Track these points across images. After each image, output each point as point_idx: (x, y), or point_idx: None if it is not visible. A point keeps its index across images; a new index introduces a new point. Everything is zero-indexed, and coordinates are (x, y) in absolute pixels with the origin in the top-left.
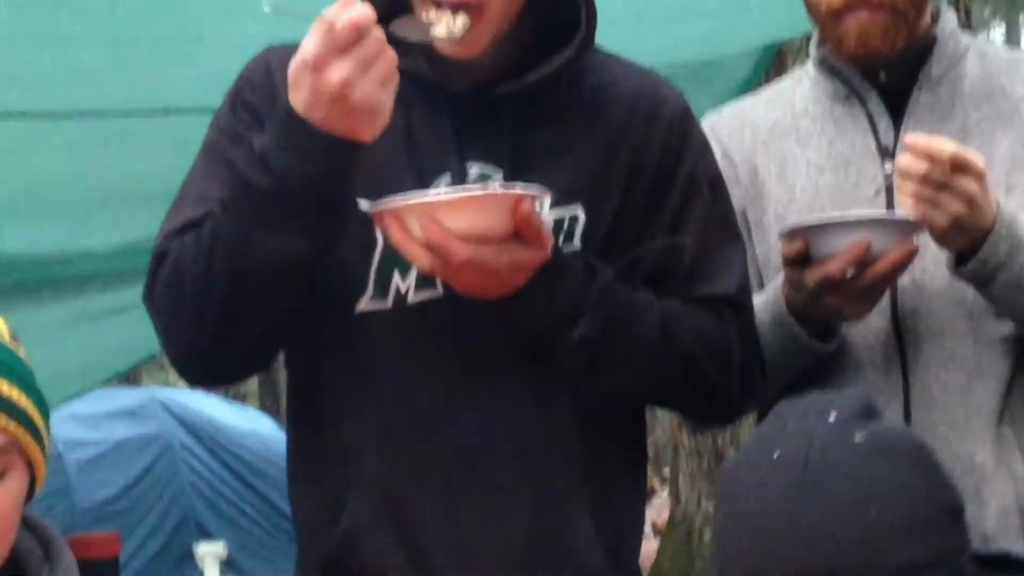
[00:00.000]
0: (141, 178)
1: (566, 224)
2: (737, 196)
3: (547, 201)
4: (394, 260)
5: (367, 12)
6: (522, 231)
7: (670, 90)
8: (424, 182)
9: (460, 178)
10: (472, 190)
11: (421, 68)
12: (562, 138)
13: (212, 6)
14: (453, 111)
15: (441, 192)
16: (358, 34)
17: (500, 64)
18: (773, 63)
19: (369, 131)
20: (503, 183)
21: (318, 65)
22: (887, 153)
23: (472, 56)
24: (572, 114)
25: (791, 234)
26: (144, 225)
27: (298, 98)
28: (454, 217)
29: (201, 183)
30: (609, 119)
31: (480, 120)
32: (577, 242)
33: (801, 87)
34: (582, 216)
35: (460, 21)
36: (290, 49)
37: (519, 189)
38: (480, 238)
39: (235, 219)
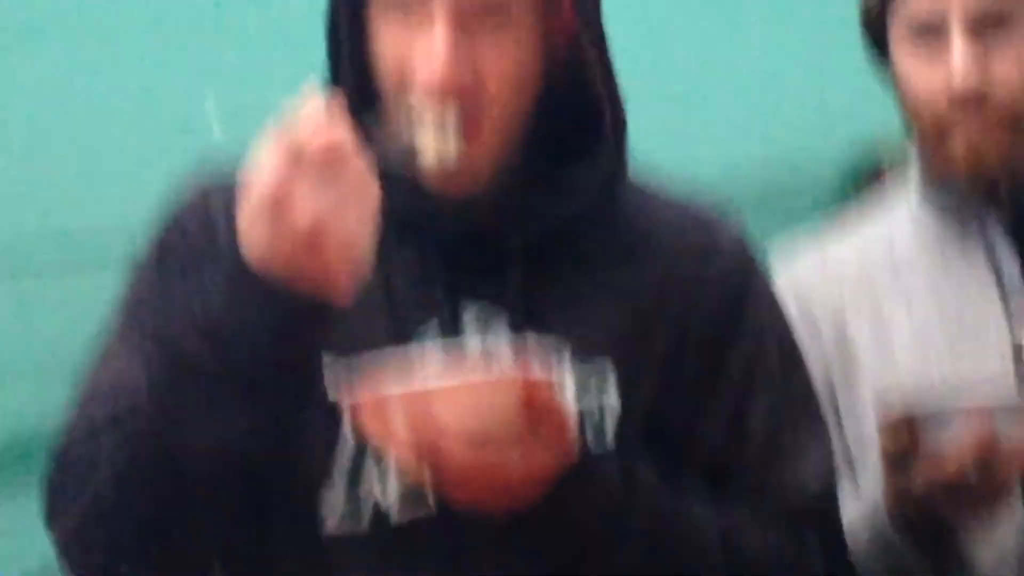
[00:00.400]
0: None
1: (595, 416)
2: (821, 366)
3: (570, 382)
4: (371, 465)
5: (343, 129)
6: (538, 425)
7: (726, 226)
8: (405, 332)
9: (452, 325)
10: (475, 374)
11: (400, 198)
12: (586, 284)
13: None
14: (444, 248)
15: (432, 373)
16: (335, 158)
17: (502, 186)
18: (865, 185)
19: (344, 285)
20: (509, 334)
21: (282, 199)
22: (1016, 312)
23: (470, 192)
24: (599, 259)
25: (894, 426)
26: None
27: (253, 242)
28: (453, 409)
29: (117, 361)
30: (648, 264)
31: (480, 258)
32: (609, 429)
33: (901, 226)
34: (612, 376)
35: (453, 143)
36: (231, 178)
37: (534, 366)
38: (483, 435)
39: (165, 402)
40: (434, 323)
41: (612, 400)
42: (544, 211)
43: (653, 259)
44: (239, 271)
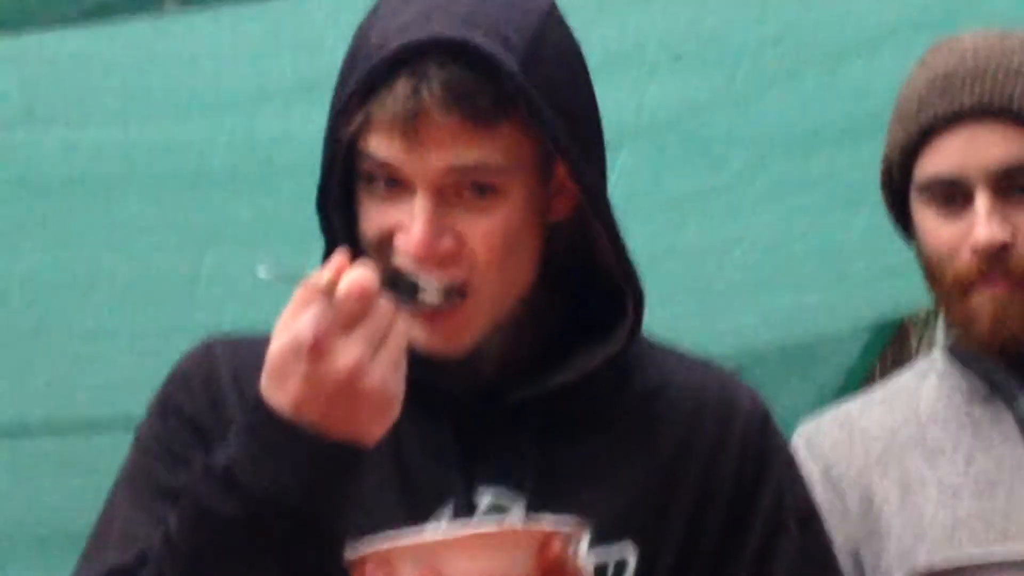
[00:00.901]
0: (39, 516)
1: (611, 571)
2: (846, 530)
3: (585, 539)
4: None
5: (370, 275)
6: None
7: (745, 390)
8: (419, 515)
9: (467, 510)
10: (485, 525)
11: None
12: (604, 455)
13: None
14: (455, 420)
15: (442, 528)
16: (366, 304)
17: (511, 358)
18: (890, 346)
19: (380, 429)
20: (527, 516)
21: (319, 348)
22: None
23: (454, 354)
24: (616, 424)
25: None
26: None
27: (285, 394)
28: (462, 561)
29: (125, 519)
30: (666, 430)
31: (493, 431)
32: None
33: (927, 383)
34: (632, 560)
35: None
36: (239, 341)
37: (547, 524)
38: None
39: (185, 559)
40: (449, 508)
41: (630, 558)
42: (553, 363)
43: (669, 420)
44: (264, 416)
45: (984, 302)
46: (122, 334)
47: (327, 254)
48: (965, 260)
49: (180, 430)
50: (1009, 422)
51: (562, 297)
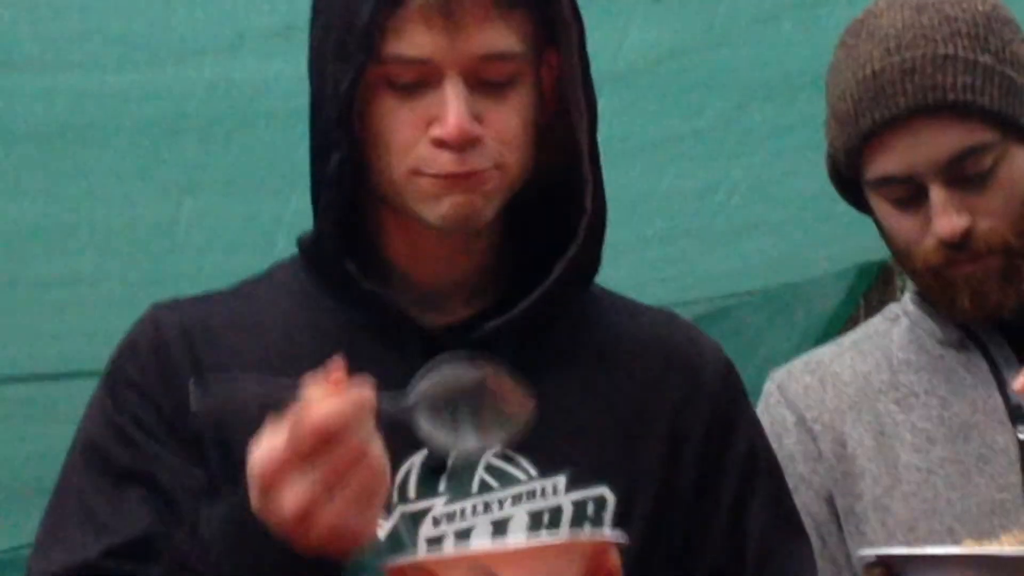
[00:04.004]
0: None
1: (590, 509)
2: (821, 474)
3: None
4: None
5: (340, 407)
6: None
7: (708, 340)
8: (392, 462)
9: (440, 457)
10: (541, 537)
11: (378, 299)
12: (574, 398)
13: None
14: (426, 359)
15: (503, 541)
16: (319, 441)
17: (480, 292)
18: (874, 287)
19: (353, 550)
20: (591, 530)
21: (265, 484)
22: (1021, 415)
23: (472, 225)
24: (585, 367)
25: (870, 570)
26: None
27: (256, 504)
28: (514, 571)
29: (83, 499)
30: (633, 377)
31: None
32: (607, 528)
33: (898, 328)
34: (611, 499)
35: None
36: (183, 304)
37: (605, 535)
38: None
39: None
40: (420, 454)
41: (607, 497)
42: (520, 305)
43: (637, 368)
44: (239, 505)
45: (959, 282)
46: (101, 281)
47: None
48: (931, 246)
49: (130, 403)
50: (983, 366)
51: (527, 229)
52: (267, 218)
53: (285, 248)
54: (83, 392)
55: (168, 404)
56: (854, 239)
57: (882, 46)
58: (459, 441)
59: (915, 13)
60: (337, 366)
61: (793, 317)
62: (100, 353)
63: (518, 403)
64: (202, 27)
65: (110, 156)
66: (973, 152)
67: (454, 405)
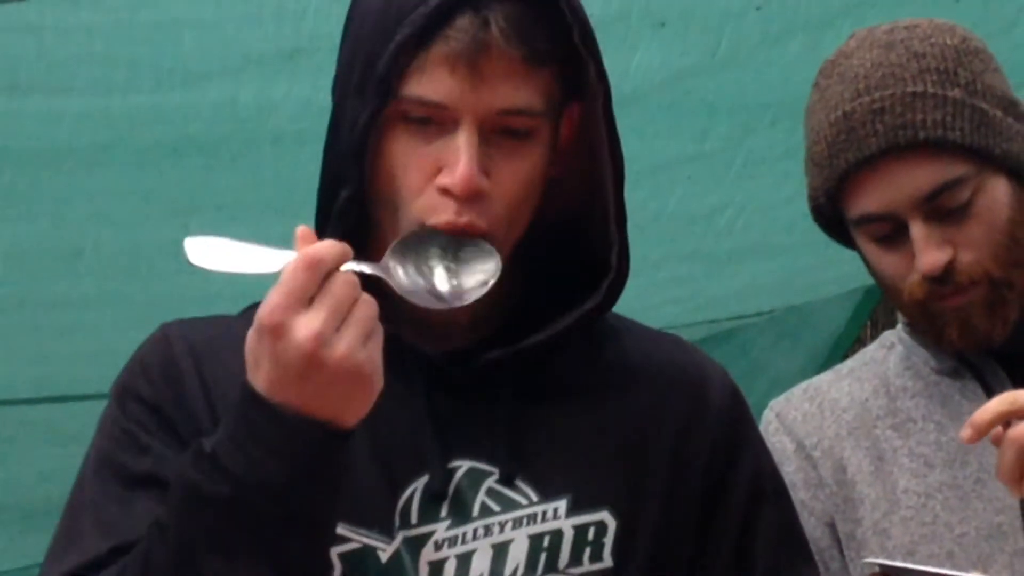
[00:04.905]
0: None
1: (591, 533)
2: (822, 501)
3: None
4: None
5: (328, 247)
6: None
7: (714, 364)
8: (396, 486)
9: (443, 481)
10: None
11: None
12: (577, 423)
13: None
14: (430, 388)
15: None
16: (315, 274)
17: (485, 322)
18: (879, 309)
19: (359, 406)
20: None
21: (277, 326)
22: None
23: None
24: (589, 394)
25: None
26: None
27: (260, 377)
28: None
29: (96, 509)
30: (638, 402)
31: (467, 399)
32: (608, 558)
33: (894, 355)
34: (612, 524)
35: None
36: (193, 323)
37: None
38: None
39: (176, 543)
40: (423, 479)
41: (608, 523)
42: (527, 340)
43: (642, 392)
44: (246, 398)
45: (946, 314)
46: (106, 304)
47: (324, 222)
48: (915, 282)
49: (141, 416)
50: (978, 392)
51: (536, 265)
52: (272, 240)
53: None
54: (90, 413)
55: (179, 418)
56: (860, 261)
57: (852, 87)
58: (435, 287)
59: (884, 51)
60: (304, 231)
61: (799, 339)
62: (107, 375)
63: (488, 250)
64: (207, 51)
65: (116, 178)
66: (949, 186)
67: (427, 255)
